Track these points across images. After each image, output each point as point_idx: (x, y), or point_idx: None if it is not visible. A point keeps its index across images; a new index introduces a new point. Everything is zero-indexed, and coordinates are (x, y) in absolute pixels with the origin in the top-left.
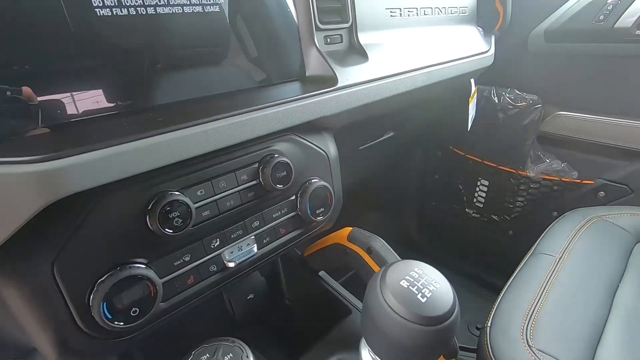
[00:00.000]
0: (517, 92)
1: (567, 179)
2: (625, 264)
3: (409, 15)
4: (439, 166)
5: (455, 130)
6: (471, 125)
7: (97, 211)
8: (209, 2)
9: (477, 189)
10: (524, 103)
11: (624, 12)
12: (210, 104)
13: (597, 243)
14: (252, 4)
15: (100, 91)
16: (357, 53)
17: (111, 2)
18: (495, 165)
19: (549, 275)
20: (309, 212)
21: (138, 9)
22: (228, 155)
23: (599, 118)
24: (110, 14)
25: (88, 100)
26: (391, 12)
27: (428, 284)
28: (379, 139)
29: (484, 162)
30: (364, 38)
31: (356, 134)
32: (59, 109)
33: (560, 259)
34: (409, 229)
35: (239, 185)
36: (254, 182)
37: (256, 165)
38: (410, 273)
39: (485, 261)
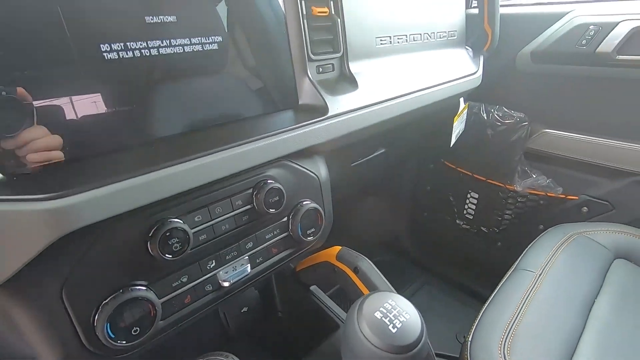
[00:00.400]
0: (505, 109)
1: (552, 194)
2: (603, 280)
3: (398, 42)
4: (431, 178)
5: (446, 144)
6: (462, 140)
7: (102, 239)
8: (207, 41)
9: (467, 201)
10: (511, 120)
11: (604, 38)
12: (210, 136)
13: (576, 260)
14: (249, 14)
15: (104, 122)
16: (348, 81)
17: (118, 46)
18: (484, 178)
19: (529, 291)
20: (300, 232)
21: (142, 51)
22: (224, 183)
23: (583, 137)
24: (117, 57)
25: (91, 135)
26: (381, 40)
27: (399, 314)
28: (371, 156)
29: (474, 175)
30: (355, 66)
31: (348, 152)
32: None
33: (540, 275)
34: (402, 238)
35: (234, 210)
36: (248, 206)
37: (250, 190)
38: (384, 305)
39: (474, 271)
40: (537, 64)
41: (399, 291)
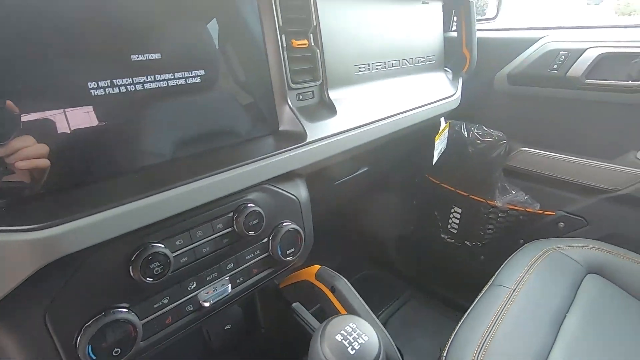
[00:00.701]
0: (485, 128)
1: (530, 210)
2: (574, 295)
3: (377, 69)
4: (416, 193)
5: (430, 160)
6: (445, 157)
7: (86, 265)
8: (190, 75)
9: (451, 215)
10: (490, 138)
11: (574, 63)
12: (193, 164)
13: (549, 275)
14: (240, 32)
15: (89, 152)
16: (327, 108)
17: (105, 83)
18: (467, 194)
19: (503, 307)
20: (280, 253)
21: (128, 87)
22: (205, 208)
23: (558, 155)
24: (103, 93)
25: (77, 165)
26: (360, 67)
27: (359, 337)
28: (354, 174)
29: (457, 191)
30: (334, 93)
31: (331, 172)
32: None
33: (514, 290)
34: (388, 252)
35: (214, 233)
36: (229, 229)
37: (231, 214)
38: (346, 327)
39: (459, 285)
40: (514, 85)
41: (385, 305)
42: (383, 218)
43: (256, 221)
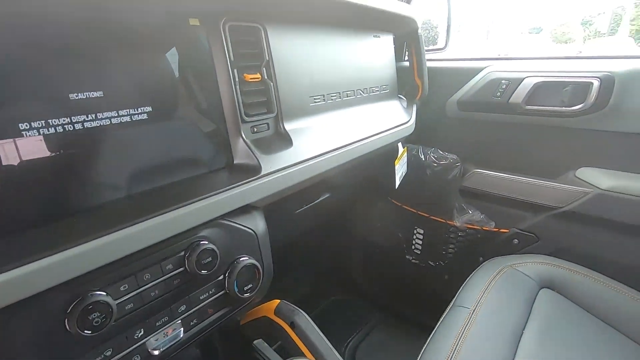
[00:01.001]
0: (440, 151)
1: (487, 228)
2: (530, 311)
3: (332, 99)
4: (379, 216)
5: (392, 184)
6: (405, 179)
7: (15, 319)
8: (136, 112)
9: (414, 237)
10: (446, 161)
11: (514, 91)
12: (140, 202)
13: (505, 293)
14: (190, 67)
15: (22, 197)
16: (283, 139)
17: (38, 124)
18: (427, 215)
19: (464, 328)
20: (236, 290)
21: (65, 126)
22: (154, 248)
23: (508, 175)
24: (37, 134)
25: (8, 211)
26: (315, 99)
27: None
28: (316, 201)
29: (419, 212)
30: (290, 124)
31: (291, 201)
32: None
33: (474, 310)
34: (356, 276)
35: (164, 275)
36: (180, 269)
37: (182, 253)
38: None
39: (425, 305)
40: (463, 111)
41: (354, 331)
42: (348, 242)
43: (210, 259)
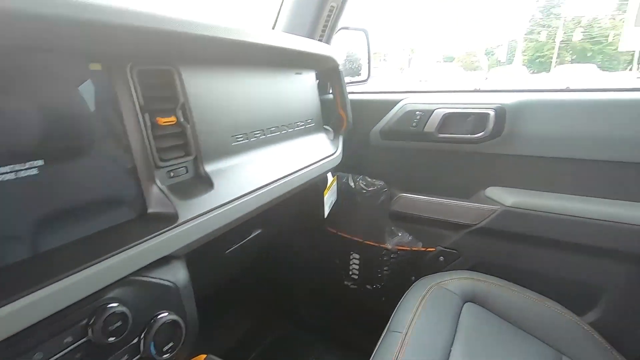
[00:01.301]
0: (368, 179)
1: (416, 248)
2: (456, 326)
3: (255, 137)
4: (316, 244)
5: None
6: (338, 206)
7: None
8: (22, 168)
9: (351, 262)
10: (373, 188)
11: (427, 121)
12: (33, 269)
13: (434, 311)
14: (92, 113)
15: None
16: (203, 182)
17: None
18: (362, 240)
19: (397, 353)
20: (153, 352)
21: None
22: (49, 320)
23: (430, 198)
24: None
25: None
26: (237, 138)
27: None
28: (246, 239)
29: (353, 238)
30: (211, 166)
31: (219, 242)
32: None
33: (406, 334)
34: (299, 307)
35: (62, 350)
36: (83, 339)
37: (85, 321)
38: None
39: (366, 329)
40: (385, 140)
41: None
42: (288, 275)
43: (119, 323)
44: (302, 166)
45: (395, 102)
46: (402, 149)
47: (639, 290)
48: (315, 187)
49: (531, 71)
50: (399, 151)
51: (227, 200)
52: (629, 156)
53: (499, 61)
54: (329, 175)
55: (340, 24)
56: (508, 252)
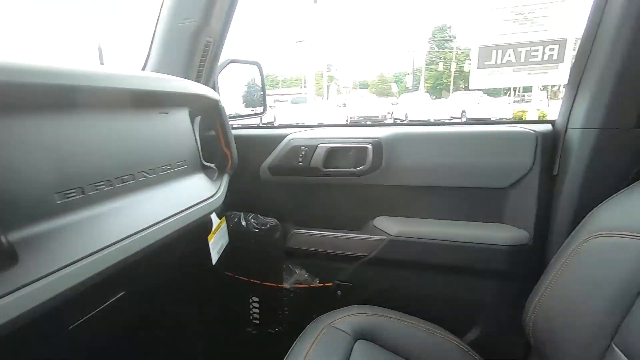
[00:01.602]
0: (260, 216)
1: (314, 285)
2: None
3: (97, 190)
4: (213, 291)
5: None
6: (233, 249)
7: None
8: None
9: (251, 306)
10: (266, 226)
11: (312, 156)
12: None
13: (325, 354)
14: None
15: None
16: (4, 256)
17: None
18: (260, 281)
19: None
20: None
21: None
22: None
23: (323, 232)
24: None
25: None
26: (66, 194)
27: None
28: (102, 306)
29: (251, 280)
30: (20, 232)
31: (55, 315)
32: None
33: None
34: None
35: None
36: None
37: None
38: None
39: None
40: (275, 176)
41: None
42: (184, 330)
43: None
44: (166, 216)
45: (282, 137)
46: (292, 184)
47: (506, 305)
48: (198, 232)
49: (433, 97)
50: (289, 187)
51: (34, 278)
52: (475, 182)
53: (407, 87)
54: (214, 217)
55: (229, 56)
56: (398, 281)
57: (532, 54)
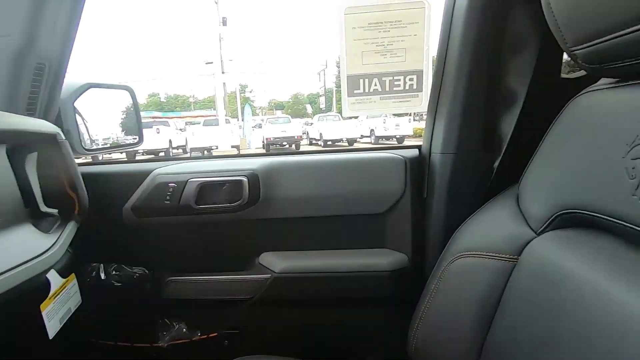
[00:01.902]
0: (125, 267)
1: (195, 339)
2: None
3: None
4: None
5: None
6: (93, 310)
7: None
8: None
9: None
10: (134, 276)
11: (182, 193)
12: None
13: None
14: None
15: None
16: None
17: None
18: (130, 344)
19: None
20: None
21: None
22: None
23: (204, 277)
24: None
25: None
26: None
27: None
28: None
29: (118, 344)
30: None
31: None
32: None
33: None
34: None
35: None
36: None
37: None
38: None
39: None
40: (140, 217)
41: None
42: None
43: None
44: None
45: (146, 174)
46: (162, 226)
47: (396, 331)
48: (29, 300)
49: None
50: (158, 229)
51: None
52: (354, 209)
53: (321, 108)
54: (53, 277)
55: (87, 80)
56: (287, 322)
57: (395, 83)
